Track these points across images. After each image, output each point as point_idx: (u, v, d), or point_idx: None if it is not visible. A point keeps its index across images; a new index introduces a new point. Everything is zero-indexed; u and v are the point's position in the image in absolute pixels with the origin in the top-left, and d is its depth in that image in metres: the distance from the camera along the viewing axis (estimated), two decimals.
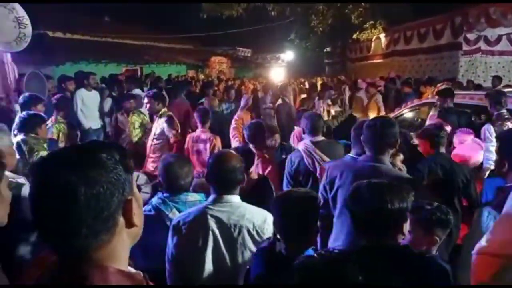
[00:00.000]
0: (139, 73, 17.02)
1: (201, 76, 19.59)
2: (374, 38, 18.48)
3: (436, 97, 5.48)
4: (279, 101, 7.49)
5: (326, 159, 3.35)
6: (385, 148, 2.56)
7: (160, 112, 5.14)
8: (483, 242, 2.01)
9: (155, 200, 2.34)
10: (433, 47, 13.52)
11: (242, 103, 6.22)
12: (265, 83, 12.67)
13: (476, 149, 3.82)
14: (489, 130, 4.04)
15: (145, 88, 9.40)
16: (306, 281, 1.18)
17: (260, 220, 2.15)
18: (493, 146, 3.50)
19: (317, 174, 3.35)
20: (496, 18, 10.13)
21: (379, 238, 1.72)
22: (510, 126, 4.10)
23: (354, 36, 19.21)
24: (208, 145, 4.78)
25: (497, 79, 9.88)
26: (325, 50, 24.22)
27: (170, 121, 4.96)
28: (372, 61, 18.74)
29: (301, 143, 3.60)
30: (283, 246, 1.85)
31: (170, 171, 2.33)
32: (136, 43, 19.26)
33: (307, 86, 12.62)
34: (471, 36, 12.13)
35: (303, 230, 1.87)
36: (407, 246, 1.89)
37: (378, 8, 17.41)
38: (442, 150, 3.32)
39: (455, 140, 3.94)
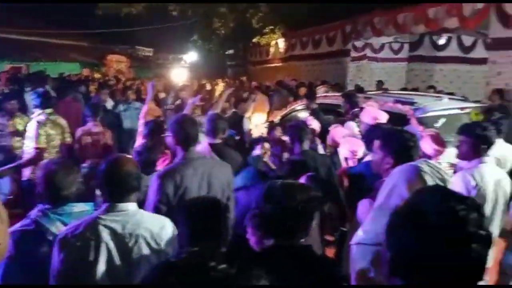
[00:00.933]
0: (26, 71, 15.46)
1: (97, 75, 18.47)
2: (273, 42, 19.19)
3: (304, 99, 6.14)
4: (178, 102, 7.44)
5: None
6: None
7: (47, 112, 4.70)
8: (360, 232, 2.19)
9: (34, 212, 2.10)
10: (326, 53, 14.45)
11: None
12: (165, 83, 12.37)
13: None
14: (353, 126, 4.46)
15: (27, 88, 8.48)
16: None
17: (158, 228, 2.08)
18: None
19: None
20: (380, 28, 11.17)
21: (288, 238, 1.72)
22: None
23: (255, 39, 19.73)
24: (100, 136, 4.72)
25: (380, 83, 10.94)
26: (227, 52, 24.50)
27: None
28: (271, 65, 19.43)
29: (199, 145, 3.57)
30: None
31: (52, 179, 2.11)
32: (23, 38, 17.47)
33: (208, 87, 12.59)
34: (358, 44, 13.24)
35: (211, 235, 1.85)
36: (310, 245, 1.94)
37: (277, 14, 18.11)
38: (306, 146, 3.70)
39: (333, 136, 4.22)
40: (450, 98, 5.97)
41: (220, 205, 2.00)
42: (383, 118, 4.11)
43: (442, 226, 0.97)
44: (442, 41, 12.27)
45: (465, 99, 7.04)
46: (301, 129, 3.86)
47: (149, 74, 23.79)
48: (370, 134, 3.19)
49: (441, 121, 4.56)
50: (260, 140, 4.46)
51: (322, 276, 1.68)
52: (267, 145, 4.19)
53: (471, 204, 1.00)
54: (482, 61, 10.13)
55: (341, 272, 1.92)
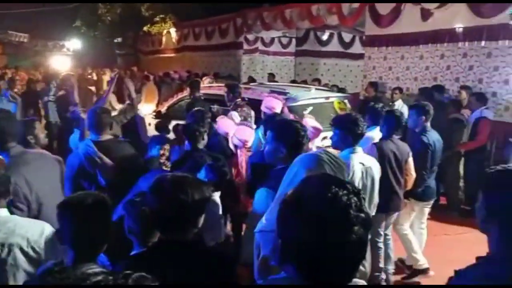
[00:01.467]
0: None
1: None
2: (165, 32, 18.66)
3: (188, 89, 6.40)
4: (61, 93, 6.88)
5: (107, 160, 3.09)
6: None
7: None
8: (263, 220, 2.27)
9: None
10: (220, 45, 14.51)
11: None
12: (45, 72, 11.29)
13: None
14: (235, 115, 4.66)
15: None
16: None
17: (36, 235, 1.90)
18: None
19: (99, 177, 3.11)
20: (269, 22, 11.57)
21: (178, 233, 1.69)
22: (247, 111, 4.97)
23: (145, 28, 18.97)
24: None
25: (271, 75, 11.38)
26: (116, 40, 23.17)
27: None
28: (164, 55, 18.91)
29: (81, 143, 3.26)
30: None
31: None
32: None
33: (95, 77, 11.81)
34: (250, 37, 13.56)
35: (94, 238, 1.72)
36: (199, 240, 1.91)
37: (167, 3, 17.63)
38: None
39: (221, 126, 4.25)
40: (317, 89, 6.77)
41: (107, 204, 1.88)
42: (279, 108, 4.34)
43: (325, 211, 1.02)
44: (325, 36, 13.18)
45: (332, 90, 7.92)
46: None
47: (25, 63, 21.47)
48: (266, 125, 3.30)
49: (309, 109, 5.04)
50: (159, 138, 4.31)
51: (211, 270, 1.68)
52: (167, 146, 4.08)
53: (352, 189, 1.07)
54: (360, 56, 11.14)
55: (231, 264, 1.94)
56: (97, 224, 1.72)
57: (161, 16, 18.20)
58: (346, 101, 6.13)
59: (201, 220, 1.76)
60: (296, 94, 5.61)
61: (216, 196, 2.88)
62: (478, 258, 1.56)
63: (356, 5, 8.82)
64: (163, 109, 7.20)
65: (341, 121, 3.22)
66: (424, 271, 4.05)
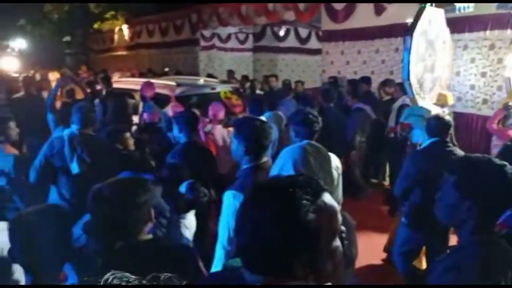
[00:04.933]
0: None
1: None
2: (117, 29, 18.00)
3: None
4: (19, 94, 6.55)
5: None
6: None
7: None
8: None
9: None
10: (175, 42, 14.17)
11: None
12: None
13: None
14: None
15: None
16: None
17: None
18: None
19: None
20: (225, 18, 11.38)
21: (127, 236, 1.61)
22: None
23: (96, 26, 18.19)
24: None
25: (230, 72, 11.23)
26: (64, 39, 22.12)
27: None
28: (117, 53, 18.25)
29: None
30: None
31: None
32: None
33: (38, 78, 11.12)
34: (207, 33, 13.32)
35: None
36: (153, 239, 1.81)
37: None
38: None
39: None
40: (205, 80, 7.74)
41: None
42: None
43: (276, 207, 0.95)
44: (282, 32, 13.17)
45: (222, 81, 8.52)
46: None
47: None
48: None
49: (194, 98, 5.82)
50: None
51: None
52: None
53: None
54: (317, 51, 11.21)
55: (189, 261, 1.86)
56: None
57: (112, 12, 17.51)
58: (230, 90, 6.76)
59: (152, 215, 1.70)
60: (184, 86, 6.49)
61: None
62: (449, 248, 1.61)
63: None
64: None
65: (293, 115, 3.10)
66: None
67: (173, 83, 6.53)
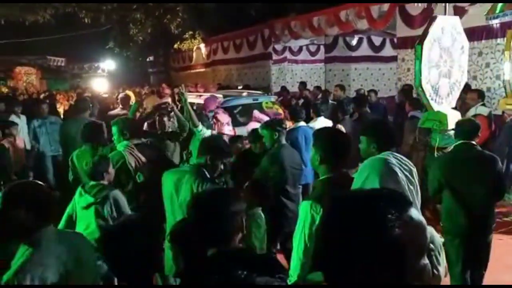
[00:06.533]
0: None
1: (5, 90, 16.97)
2: (195, 48, 19.02)
3: None
4: (114, 112, 7.30)
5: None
6: None
7: None
8: None
9: None
10: (248, 57, 14.60)
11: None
12: (79, 94, 11.69)
13: None
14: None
15: None
16: None
17: None
18: None
19: None
20: (297, 31, 11.56)
21: (219, 244, 1.68)
22: None
23: (176, 45, 19.37)
24: None
25: (302, 84, 11.33)
26: (148, 59, 23.81)
27: None
28: (195, 70, 19.25)
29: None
30: None
31: None
32: None
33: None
34: (278, 47, 13.58)
35: None
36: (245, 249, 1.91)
37: (195, 19, 17.96)
38: None
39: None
40: (249, 93, 8.39)
41: None
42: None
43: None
44: (354, 41, 13.02)
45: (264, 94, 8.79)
46: None
47: (64, 86, 22.38)
48: None
49: (239, 108, 6.95)
50: None
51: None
52: None
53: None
54: (391, 59, 10.91)
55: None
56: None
57: (190, 32, 18.55)
58: (273, 101, 7.38)
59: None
60: (229, 98, 7.36)
61: None
62: None
63: (385, 7, 8.68)
64: None
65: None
66: None
67: (220, 95, 7.53)
